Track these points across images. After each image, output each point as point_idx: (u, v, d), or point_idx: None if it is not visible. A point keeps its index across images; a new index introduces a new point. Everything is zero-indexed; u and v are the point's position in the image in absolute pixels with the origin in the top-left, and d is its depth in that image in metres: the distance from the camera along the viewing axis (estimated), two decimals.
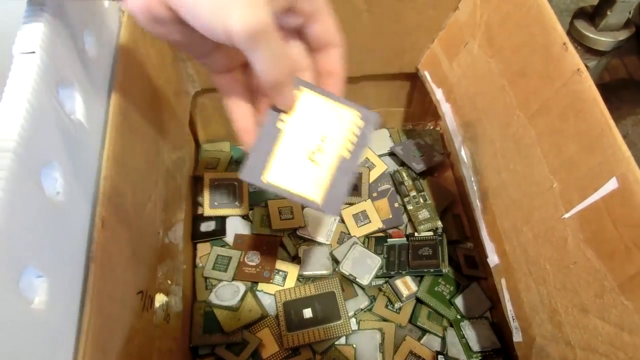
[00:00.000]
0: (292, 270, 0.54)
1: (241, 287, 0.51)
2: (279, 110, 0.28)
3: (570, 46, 0.35)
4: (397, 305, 0.52)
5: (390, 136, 0.65)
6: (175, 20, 0.24)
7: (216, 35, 0.23)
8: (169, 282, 0.43)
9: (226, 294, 0.51)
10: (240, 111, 0.30)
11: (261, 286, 0.53)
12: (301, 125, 0.28)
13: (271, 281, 0.53)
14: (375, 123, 0.29)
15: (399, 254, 0.55)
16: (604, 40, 0.68)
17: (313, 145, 0.28)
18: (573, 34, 0.70)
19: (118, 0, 0.26)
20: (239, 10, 0.21)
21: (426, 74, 0.55)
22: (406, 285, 0.53)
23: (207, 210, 0.56)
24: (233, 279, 0.53)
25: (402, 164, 0.62)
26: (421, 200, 0.59)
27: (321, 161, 0.28)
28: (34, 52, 0.25)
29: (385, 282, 0.54)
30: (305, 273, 0.53)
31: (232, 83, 0.30)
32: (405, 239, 0.56)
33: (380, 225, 0.57)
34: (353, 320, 0.52)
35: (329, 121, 0.29)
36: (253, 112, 0.30)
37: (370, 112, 0.29)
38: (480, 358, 0.50)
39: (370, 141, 0.29)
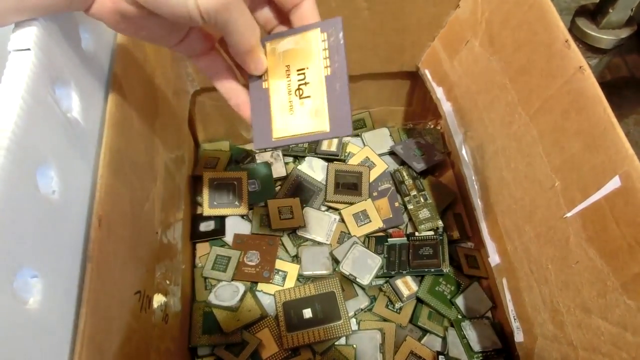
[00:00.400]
0: (292, 270, 0.53)
1: (240, 287, 0.51)
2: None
3: (573, 43, 0.35)
4: (397, 305, 0.52)
5: (390, 135, 0.65)
6: (144, 14, 0.24)
7: (186, 17, 0.23)
8: (168, 282, 0.43)
9: (225, 294, 0.51)
10: (230, 88, 0.30)
11: (261, 286, 0.53)
12: (281, 74, 0.29)
13: (271, 281, 0.53)
14: (337, 25, 0.28)
15: (399, 254, 0.54)
16: (605, 38, 0.67)
17: (297, 84, 0.28)
18: (574, 32, 0.70)
19: (84, 11, 0.26)
20: None
21: (427, 72, 0.55)
22: (407, 285, 0.52)
23: (207, 210, 0.56)
24: (232, 279, 0.53)
25: (402, 163, 0.62)
26: (422, 199, 0.58)
27: (311, 91, 0.28)
28: (29, 49, 0.25)
29: (386, 282, 0.53)
30: (305, 273, 0.53)
31: (213, 63, 0.30)
32: (405, 238, 0.55)
33: (381, 224, 0.56)
34: (353, 320, 0.52)
35: (299, 53, 0.28)
36: (242, 86, 0.30)
37: (328, 20, 0.28)
38: (481, 358, 0.49)
39: (343, 42, 0.28)
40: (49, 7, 0.25)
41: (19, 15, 0.25)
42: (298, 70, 0.28)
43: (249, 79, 0.30)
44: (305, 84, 0.28)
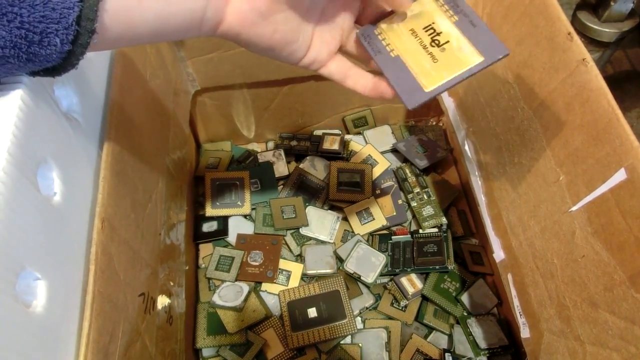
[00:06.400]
0: (296, 270, 0.53)
1: (244, 287, 0.51)
2: (376, 49, 0.30)
3: (575, 36, 0.35)
4: (402, 303, 0.52)
5: (392, 132, 0.64)
6: (280, 8, 0.26)
7: None
8: (171, 283, 0.42)
9: (229, 294, 0.50)
10: (363, 79, 0.31)
11: (265, 286, 0.53)
12: (407, 38, 0.30)
13: (275, 281, 0.52)
14: None
15: (403, 251, 0.54)
16: (607, 31, 0.67)
17: (429, 38, 0.30)
18: (576, 26, 0.69)
19: (212, 33, 0.27)
20: None
21: None
22: (411, 283, 0.52)
23: (209, 211, 0.56)
24: (236, 280, 0.52)
25: (405, 160, 0.62)
26: (425, 196, 0.58)
27: (448, 37, 0.29)
28: None
29: (390, 280, 0.53)
30: (309, 272, 0.53)
31: (340, 64, 0.31)
32: (409, 236, 0.55)
33: (384, 222, 0.56)
34: (358, 319, 0.51)
35: (418, 17, 0.30)
36: (369, 74, 0.31)
37: None
38: (487, 355, 0.49)
39: None
40: (180, 32, 0.25)
41: (153, 40, 0.25)
42: (424, 28, 0.30)
43: (374, 58, 0.30)
44: (438, 34, 0.30)
